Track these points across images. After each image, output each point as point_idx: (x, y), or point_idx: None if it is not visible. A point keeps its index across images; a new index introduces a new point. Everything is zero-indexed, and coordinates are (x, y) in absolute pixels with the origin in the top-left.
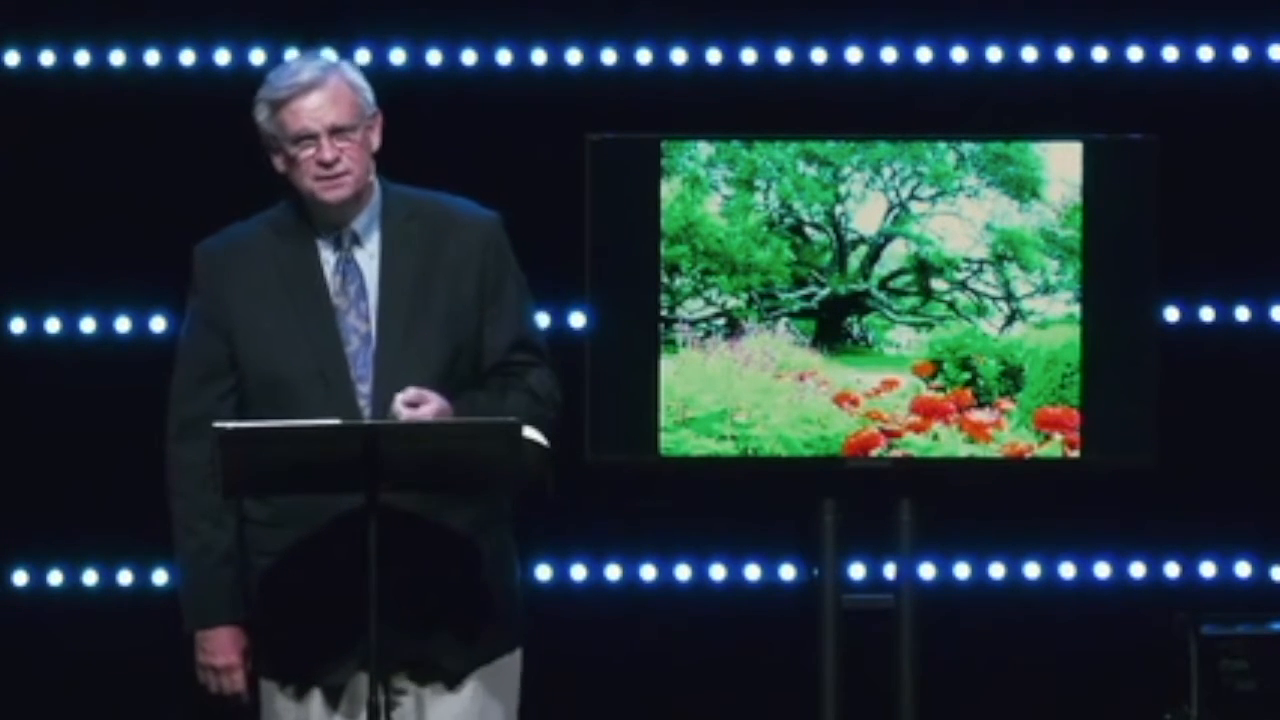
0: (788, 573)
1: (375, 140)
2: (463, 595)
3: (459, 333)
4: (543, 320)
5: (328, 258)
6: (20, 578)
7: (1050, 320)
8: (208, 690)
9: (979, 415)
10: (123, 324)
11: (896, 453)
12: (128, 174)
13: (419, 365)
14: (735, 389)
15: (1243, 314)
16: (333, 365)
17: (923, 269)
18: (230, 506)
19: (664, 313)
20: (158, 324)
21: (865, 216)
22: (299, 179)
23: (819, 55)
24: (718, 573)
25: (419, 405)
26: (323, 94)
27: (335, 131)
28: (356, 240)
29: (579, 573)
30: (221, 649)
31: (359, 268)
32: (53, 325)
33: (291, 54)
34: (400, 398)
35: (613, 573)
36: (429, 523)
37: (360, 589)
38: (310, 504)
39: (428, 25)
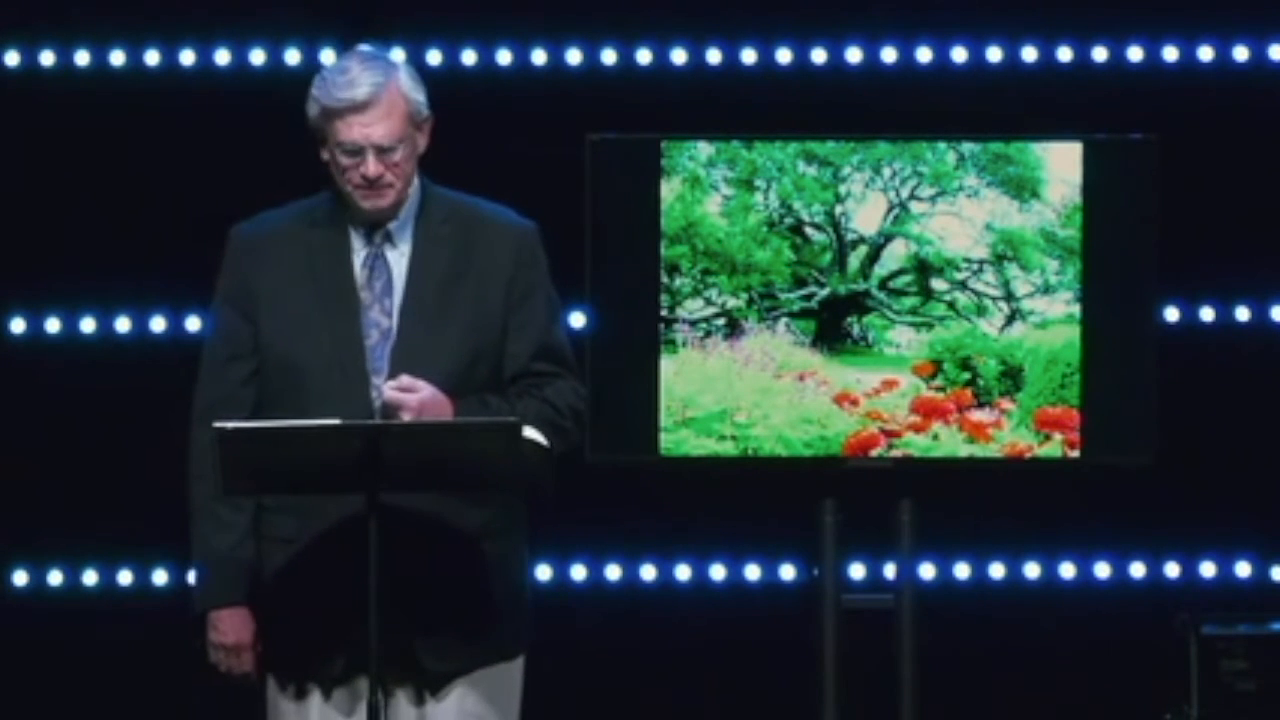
0: (788, 573)
1: (423, 142)
2: (463, 598)
3: (481, 337)
4: None
5: (358, 250)
6: (20, 578)
7: (1050, 320)
8: (218, 670)
9: (979, 415)
10: (123, 324)
11: (896, 453)
12: (128, 174)
13: (435, 363)
14: (735, 389)
15: (1243, 314)
16: (350, 356)
17: (923, 269)
18: None
19: (664, 313)
20: (158, 324)
21: (865, 216)
22: (340, 180)
23: (819, 55)
24: (718, 573)
25: (408, 391)
26: (376, 111)
27: (383, 150)
28: (389, 237)
29: (579, 573)
30: (233, 628)
31: (388, 263)
32: (53, 325)
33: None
34: (390, 383)
35: (613, 573)
36: (434, 524)
37: (361, 585)
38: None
39: (427, 26)
